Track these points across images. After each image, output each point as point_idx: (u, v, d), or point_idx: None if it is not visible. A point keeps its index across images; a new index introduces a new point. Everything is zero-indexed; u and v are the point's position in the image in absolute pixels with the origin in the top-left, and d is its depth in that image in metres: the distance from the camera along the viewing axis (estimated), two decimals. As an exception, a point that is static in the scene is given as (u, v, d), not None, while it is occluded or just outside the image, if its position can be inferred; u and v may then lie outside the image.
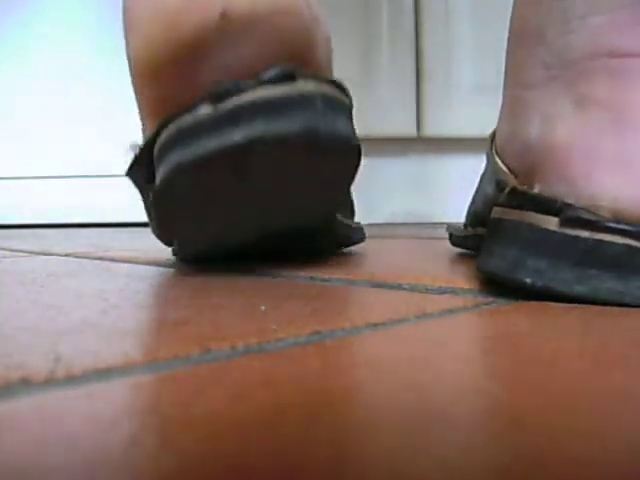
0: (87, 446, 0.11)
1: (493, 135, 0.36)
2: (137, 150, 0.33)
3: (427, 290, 0.28)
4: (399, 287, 0.29)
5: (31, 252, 0.53)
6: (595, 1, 0.25)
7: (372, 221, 1.02)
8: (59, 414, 0.13)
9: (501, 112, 0.32)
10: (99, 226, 1.05)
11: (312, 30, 0.30)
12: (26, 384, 0.14)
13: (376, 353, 0.18)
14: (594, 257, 0.23)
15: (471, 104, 1.12)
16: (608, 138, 0.24)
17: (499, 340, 0.19)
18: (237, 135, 0.27)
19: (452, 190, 1.13)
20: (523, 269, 0.24)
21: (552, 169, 0.25)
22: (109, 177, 1.13)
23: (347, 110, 0.30)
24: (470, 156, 1.12)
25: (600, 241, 0.23)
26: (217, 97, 0.27)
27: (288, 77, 0.27)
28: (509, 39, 0.31)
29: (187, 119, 0.28)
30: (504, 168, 0.32)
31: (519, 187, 0.27)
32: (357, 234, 0.46)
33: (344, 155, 0.30)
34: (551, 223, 0.24)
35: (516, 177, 0.30)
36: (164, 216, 0.33)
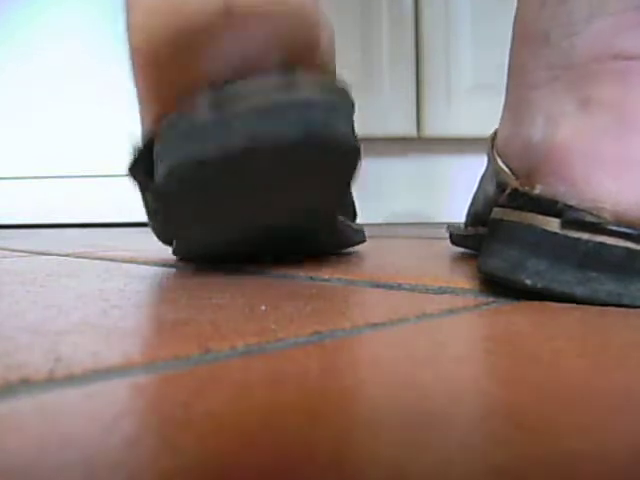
0: (87, 446, 0.11)
1: (494, 135, 0.36)
2: (137, 147, 0.33)
3: (427, 290, 0.28)
4: (399, 287, 0.29)
5: (31, 252, 0.53)
6: (599, 3, 0.25)
7: (372, 221, 1.02)
8: (59, 414, 0.13)
9: (503, 113, 0.32)
10: (99, 226, 1.05)
11: (316, 27, 0.30)
12: (26, 384, 0.14)
13: (376, 353, 0.18)
14: (594, 260, 0.23)
15: (471, 104, 1.12)
16: (611, 140, 0.24)
17: (499, 340, 0.19)
18: (237, 138, 0.27)
19: (452, 190, 1.13)
20: (523, 270, 0.24)
21: (553, 170, 0.25)
22: (109, 177, 1.13)
23: (348, 110, 0.30)
24: (470, 156, 1.12)
25: (601, 244, 0.23)
26: (217, 99, 0.27)
27: (289, 78, 0.27)
28: (513, 41, 0.31)
29: (187, 118, 0.28)
30: (505, 169, 0.32)
31: (520, 188, 0.27)
32: (358, 236, 0.46)
33: (344, 156, 0.30)
34: (552, 225, 0.24)
35: (517, 178, 0.30)
36: (163, 213, 0.34)
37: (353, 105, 0.31)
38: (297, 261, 0.37)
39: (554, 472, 0.10)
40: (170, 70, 0.29)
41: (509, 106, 0.31)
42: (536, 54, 0.28)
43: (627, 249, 0.23)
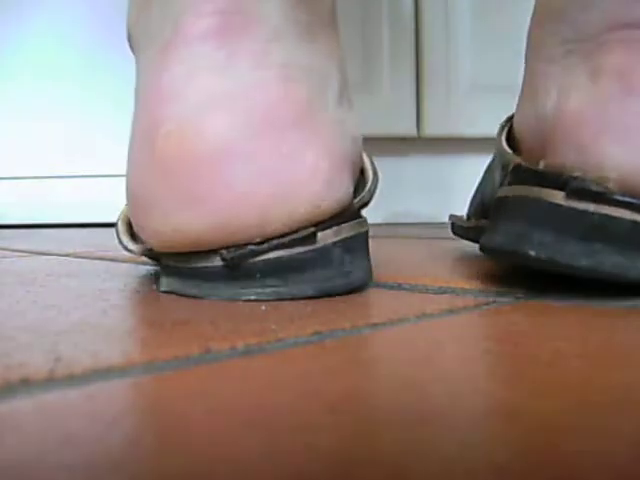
0: (87, 446, 0.11)
1: (505, 122, 0.36)
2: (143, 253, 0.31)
3: (427, 290, 0.28)
4: (399, 287, 0.29)
5: (31, 252, 0.53)
6: None
7: (372, 221, 1.02)
8: (59, 414, 0.13)
9: (521, 91, 0.32)
10: (99, 226, 1.05)
11: (350, 199, 0.28)
12: (26, 384, 0.14)
13: (376, 353, 0.18)
14: (600, 232, 0.23)
15: (471, 104, 1.12)
16: (618, 107, 0.24)
17: (499, 340, 0.19)
18: (248, 294, 0.25)
19: (452, 190, 1.13)
20: (528, 242, 0.24)
21: (561, 137, 0.25)
22: (109, 177, 1.13)
23: (365, 242, 0.28)
24: (470, 156, 1.12)
25: (607, 216, 0.23)
26: (229, 261, 0.25)
27: (308, 240, 0.26)
28: (531, 23, 0.31)
29: (198, 261, 0.26)
30: (508, 149, 0.32)
31: (523, 163, 0.27)
32: None
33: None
34: (557, 197, 0.24)
35: (520, 155, 0.30)
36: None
37: (367, 233, 0.29)
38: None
39: (554, 472, 0.10)
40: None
41: (526, 82, 0.31)
42: (553, 31, 0.28)
43: (633, 222, 0.23)
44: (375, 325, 0.21)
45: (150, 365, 0.16)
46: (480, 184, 0.43)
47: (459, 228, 0.45)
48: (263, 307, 0.24)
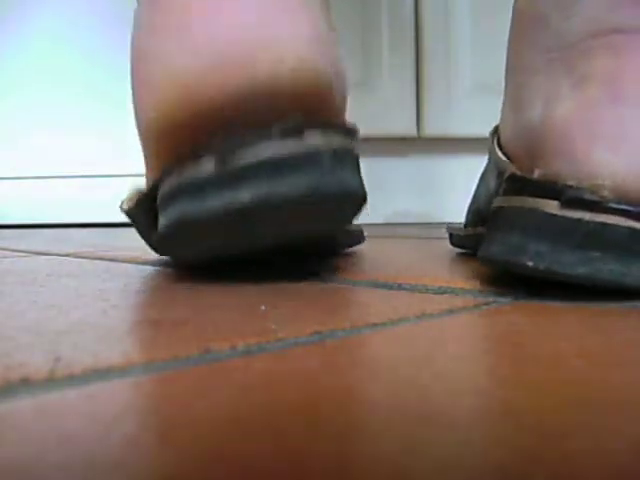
0: (87, 446, 0.11)
1: (495, 130, 0.36)
2: (140, 195, 0.32)
3: (427, 290, 0.28)
4: (399, 287, 0.29)
5: (31, 252, 0.53)
6: None
7: (372, 221, 1.02)
8: (59, 414, 0.13)
9: (504, 101, 0.32)
10: (99, 226, 1.05)
11: (331, 86, 0.29)
12: (26, 384, 0.14)
13: (376, 353, 0.18)
14: (596, 240, 0.23)
15: (471, 104, 1.12)
16: (606, 112, 0.24)
17: (499, 340, 0.19)
18: (241, 196, 0.26)
19: (452, 190, 1.13)
20: (525, 253, 0.24)
21: (552, 148, 0.25)
22: (109, 177, 1.13)
23: (355, 160, 0.29)
24: (470, 156, 1.12)
25: (602, 224, 0.23)
26: (222, 153, 0.26)
27: (296, 131, 0.26)
28: (511, 31, 0.31)
29: (190, 172, 0.27)
30: (503, 157, 0.32)
31: (518, 173, 0.27)
32: (356, 238, 0.46)
33: (352, 204, 0.29)
34: (552, 207, 0.24)
35: (514, 163, 0.30)
36: (165, 252, 0.35)
37: (358, 151, 0.30)
38: (297, 262, 0.37)
39: (554, 472, 0.10)
40: (179, 136, 0.28)
41: (509, 93, 0.31)
42: (535, 40, 0.28)
43: (630, 228, 0.23)
44: (375, 325, 0.21)
45: (150, 365, 0.16)
46: (476, 192, 0.43)
47: (457, 238, 0.45)
48: (263, 307, 0.24)
